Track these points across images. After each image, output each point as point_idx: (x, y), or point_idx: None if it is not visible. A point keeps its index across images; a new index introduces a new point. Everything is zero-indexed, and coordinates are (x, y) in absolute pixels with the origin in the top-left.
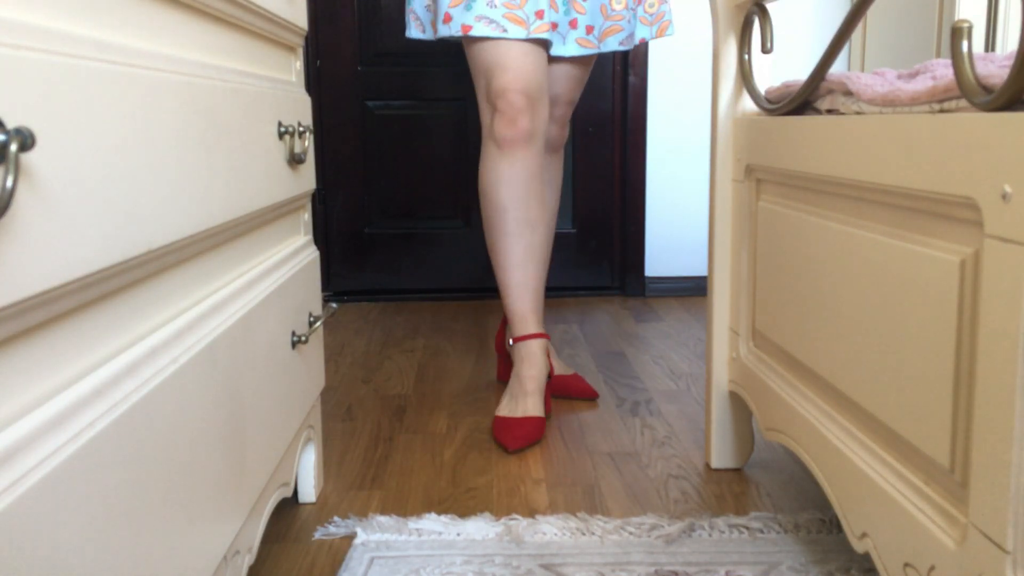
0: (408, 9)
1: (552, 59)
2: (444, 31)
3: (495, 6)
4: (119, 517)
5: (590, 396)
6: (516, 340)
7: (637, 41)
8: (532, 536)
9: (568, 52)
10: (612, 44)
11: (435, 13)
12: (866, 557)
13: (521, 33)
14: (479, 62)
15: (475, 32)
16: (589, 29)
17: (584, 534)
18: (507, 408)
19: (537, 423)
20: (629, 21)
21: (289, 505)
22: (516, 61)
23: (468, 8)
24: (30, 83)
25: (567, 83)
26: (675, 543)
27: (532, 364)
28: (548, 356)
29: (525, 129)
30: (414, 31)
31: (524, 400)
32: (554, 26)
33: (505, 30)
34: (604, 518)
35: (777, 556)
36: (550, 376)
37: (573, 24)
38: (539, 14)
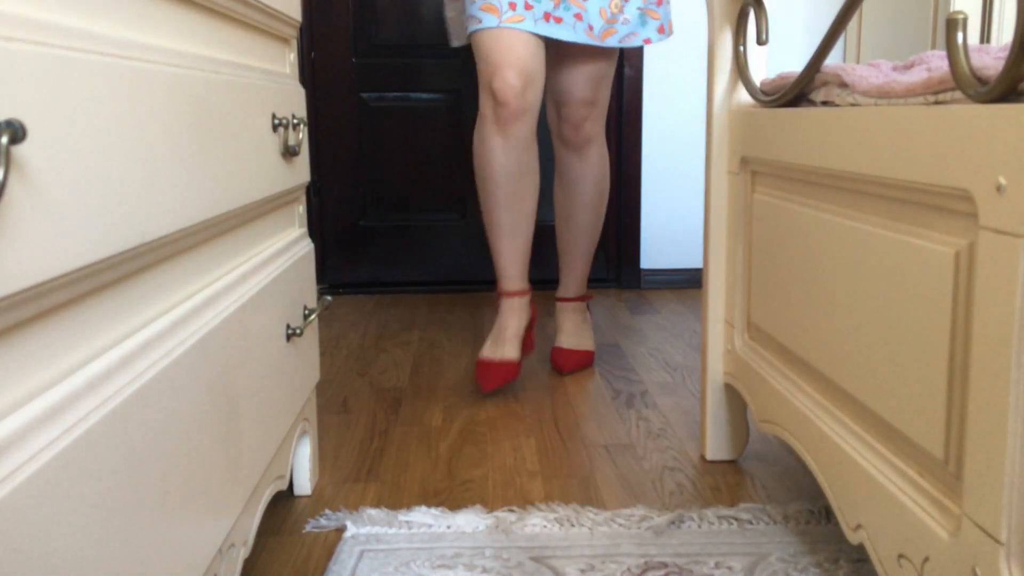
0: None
1: (560, 54)
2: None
3: (474, 2)
4: (113, 511)
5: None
6: (502, 295)
7: (641, 42)
8: (523, 528)
9: (571, 37)
10: (612, 42)
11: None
12: (855, 547)
13: (493, 21)
14: (476, 53)
15: (469, 27)
16: (590, 28)
17: (574, 526)
18: (489, 351)
19: (512, 367)
20: (626, 23)
21: (285, 498)
22: (504, 43)
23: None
24: (21, 75)
25: (578, 79)
26: (665, 534)
27: (514, 316)
28: (532, 304)
29: (517, 107)
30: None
31: (503, 346)
32: (548, 17)
33: (480, 21)
34: (595, 510)
35: (766, 547)
36: (532, 322)
37: (578, 17)
38: (512, 5)
